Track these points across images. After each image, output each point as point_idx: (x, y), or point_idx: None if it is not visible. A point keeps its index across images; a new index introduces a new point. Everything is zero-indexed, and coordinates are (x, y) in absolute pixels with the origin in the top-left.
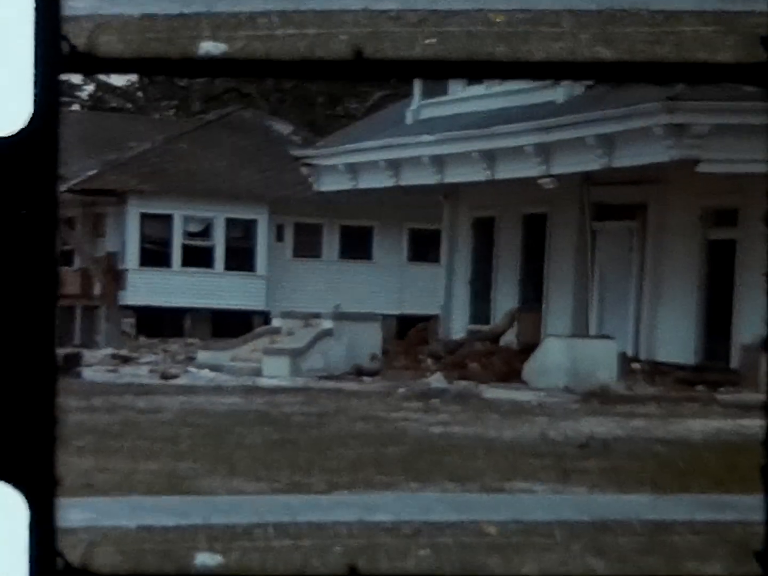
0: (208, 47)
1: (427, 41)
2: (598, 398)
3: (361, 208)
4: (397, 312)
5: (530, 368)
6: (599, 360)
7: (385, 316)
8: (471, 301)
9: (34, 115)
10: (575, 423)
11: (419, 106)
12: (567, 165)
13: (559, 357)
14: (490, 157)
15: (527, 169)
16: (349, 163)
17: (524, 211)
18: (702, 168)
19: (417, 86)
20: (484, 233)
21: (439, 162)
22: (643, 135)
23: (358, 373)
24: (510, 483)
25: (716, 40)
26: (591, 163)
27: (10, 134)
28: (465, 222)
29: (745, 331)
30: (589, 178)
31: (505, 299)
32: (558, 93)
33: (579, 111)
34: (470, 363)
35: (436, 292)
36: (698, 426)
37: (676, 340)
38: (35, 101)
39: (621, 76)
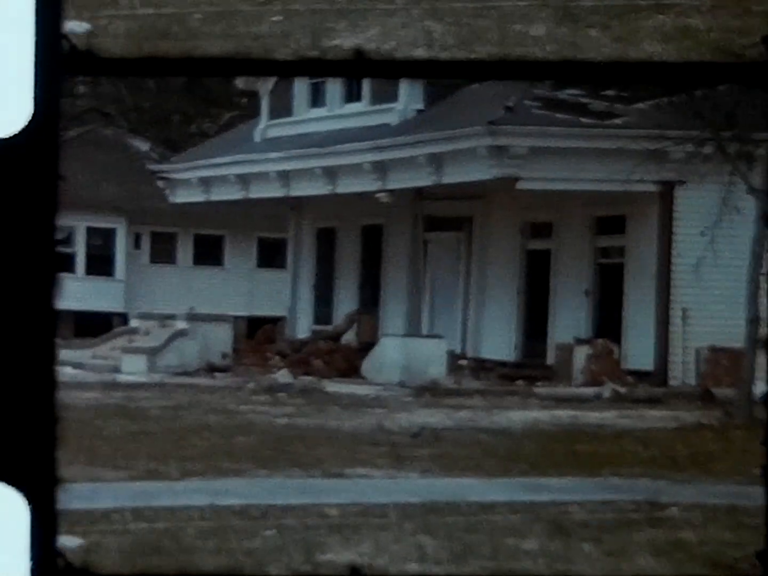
0: (73, 26)
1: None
2: (430, 392)
3: (214, 218)
4: (246, 314)
5: (368, 365)
6: (430, 357)
7: (236, 318)
8: (314, 304)
9: (34, 115)
10: (409, 414)
11: (266, 125)
12: (401, 181)
13: (395, 355)
14: (331, 173)
15: (365, 185)
16: (202, 177)
17: (362, 223)
18: (521, 185)
19: (264, 107)
20: (326, 242)
21: (285, 177)
22: (468, 155)
23: (211, 369)
24: (349, 469)
25: (532, 13)
26: (422, 179)
27: (10, 134)
28: (309, 232)
29: (559, 331)
30: (420, 193)
31: (345, 302)
32: (393, 116)
33: (411, 132)
34: (314, 360)
35: (283, 295)
36: (518, 417)
37: (498, 340)
38: (35, 102)
39: (622, 78)
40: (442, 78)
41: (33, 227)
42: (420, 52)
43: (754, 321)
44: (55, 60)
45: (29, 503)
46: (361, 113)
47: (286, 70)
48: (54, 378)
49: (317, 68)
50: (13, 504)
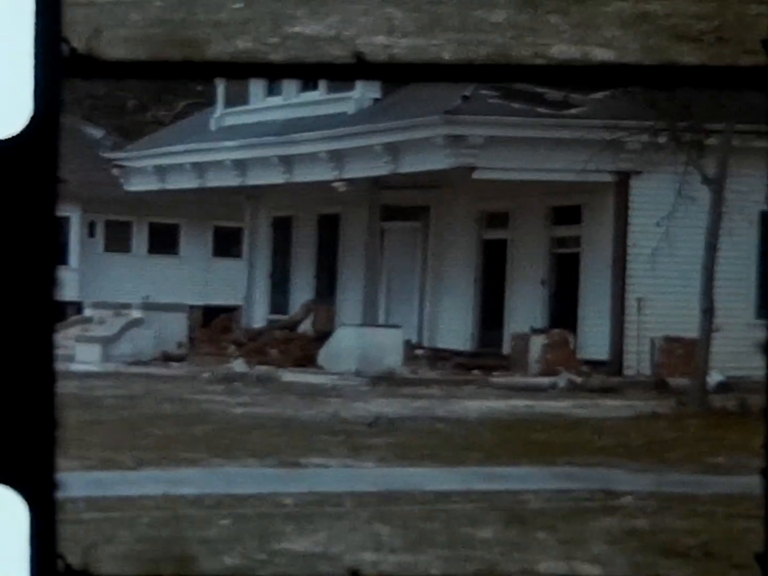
0: None
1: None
2: (386, 381)
3: (169, 207)
4: (202, 303)
5: (325, 354)
6: (387, 347)
7: (191, 307)
8: (270, 293)
9: (34, 117)
10: (365, 404)
11: (222, 114)
12: (358, 170)
13: (351, 344)
14: (287, 162)
15: (322, 174)
16: (157, 166)
17: (319, 212)
18: (477, 175)
19: (220, 96)
20: (282, 231)
21: (241, 166)
22: (425, 144)
23: (166, 359)
24: (306, 458)
25: None
26: (379, 168)
27: (10, 136)
28: (265, 221)
29: (515, 321)
30: (377, 182)
31: (301, 292)
32: (349, 105)
33: (368, 121)
34: (270, 349)
35: (239, 284)
36: (474, 406)
37: (455, 329)
38: (35, 103)
39: (623, 80)
40: (446, 81)
41: (32, 228)
42: (380, 39)
43: (707, 311)
44: (55, 61)
45: (29, 504)
46: (317, 102)
47: (289, 72)
48: (53, 379)
49: (318, 72)
50: (13, 505)
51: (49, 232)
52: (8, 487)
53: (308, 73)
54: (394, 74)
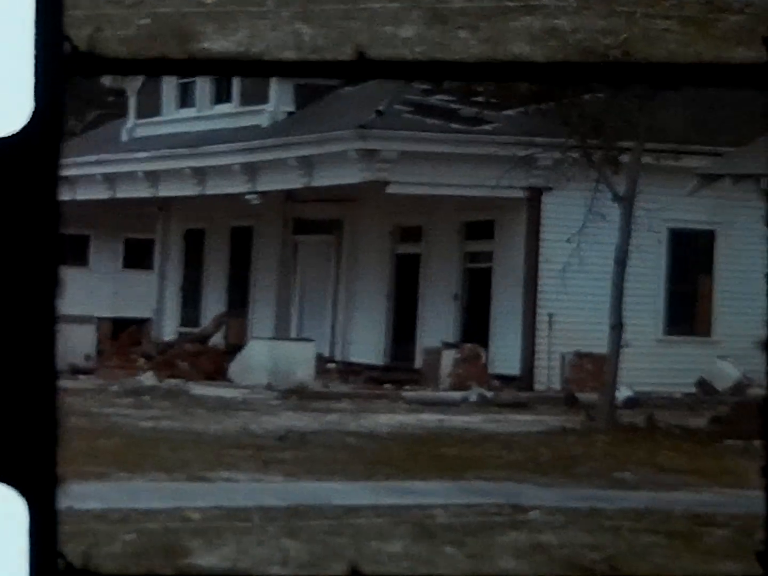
0: None
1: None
2: (297, 395)
3: (79, 217)
4: (111, 315)
5: (236, 368)
6: (298, 360)
7: (100, 319)
8: (182, 306)
9: (34, 115)
10: (275, 417)
11: (134, 125)
12: (271, 183)
13: (262, 357)
14: (200, 174)
15: (235, 186)
16: (68, 176)
17: (232, 224)
18: (391, 189)
19: (132, 106)
20: (194, 243)
21: (153, 177)
22: (338, 158)
23: (74, 371)
24: (214, 472)
25: (402, 14)
26: (293, 182)
27: (10, 134)
28: (177, 233)
29: (427, 335)
30: (291, 195)
31: (213, 304)
32: (263, 118)
33: (282, 134)
34: (180, 362)
35: (149, 297)
36: (385, 420)
37: (367, 343)
38: (36, 102)
39: (623, 79)
40: (448, 80)
41: (33, 226)
42: (289, 55)
43: (617, 327)
44: (56, 60)
45: (29, 504)
46: (231, 114)
47: (289, 71)
48: (54, 379)
49: (318, 70)
50: (13, 504)
51: (51, 228)
52: (8, 486)
53: (308, 72)
54: (395, 72)
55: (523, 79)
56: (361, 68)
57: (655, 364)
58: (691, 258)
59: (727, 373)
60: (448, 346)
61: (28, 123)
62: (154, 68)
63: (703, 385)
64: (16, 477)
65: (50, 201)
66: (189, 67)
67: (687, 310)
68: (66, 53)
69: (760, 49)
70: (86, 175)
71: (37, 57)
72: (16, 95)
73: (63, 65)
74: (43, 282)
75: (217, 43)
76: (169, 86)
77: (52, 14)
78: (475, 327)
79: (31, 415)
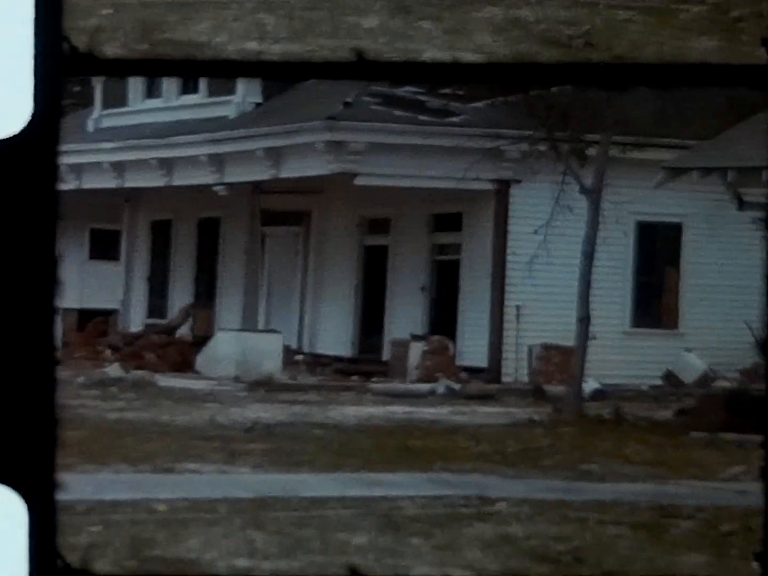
0: None
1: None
2: (265, 387)
3: None
4: (78, 306)
5: (203, 359)
6: (266, 352)
7: (66, 310)
8: (148, 297)
9: (34, 115)
10: (243, 409)
11: (100, 115)
12: (239, 174)
13: (230, 349)
14: (167, 164)
15: (202, 177)
16: None
17: (199, 216)
18: (359, 181)
19: (98, 96)
20: (161, 234)
21: (119, 168)
22: (306, 150)
23: None
24: (180, 464)
25: (365, 5)
26: (260, 173)
27: (10, 135)
28: (144, 223)
29: (395, 327)
30: (259, 186)
31: (180, 295)
32: (230, 109)
33: (249, 126)
34: (147, 354)
35: (116, 288)
36: (353, 412)
37: (335, 335)
38: (35, 102)
39: (621, 80)
40: (448, 81)
41: (33, 227)
42: (252, 45)
43: (584, 319)
44: (56, 60)
45: (28, 504)
46: (198, 105)
47: (289, 72)
48: (54, 380)
49: (318, 71)
50: (12, 505)
51: (49, 229)
52: (8, 487)
53: (307, 73)
54: (395, 73)
55: (533, 81)
56: (361, 69)
57: (622, 357)
58: (658, 251)
59: (693, 365)
60: (416, 338)
61: (28, 124)
62: (153, 69)
63: (669, 377)
64: (16, 477)
65: (50, 201)
66: (189, 67)
67: (654, 302)
68: (66, 54)
69: (721, 39)
70: None
71: (36, 58)
72: (16, 97)
73: (62, 67)
74: (42, 282)
75: (180, 33)
76: (135, 76)
77: (52, 15)
78: (443, 319)
79: (31, 416)
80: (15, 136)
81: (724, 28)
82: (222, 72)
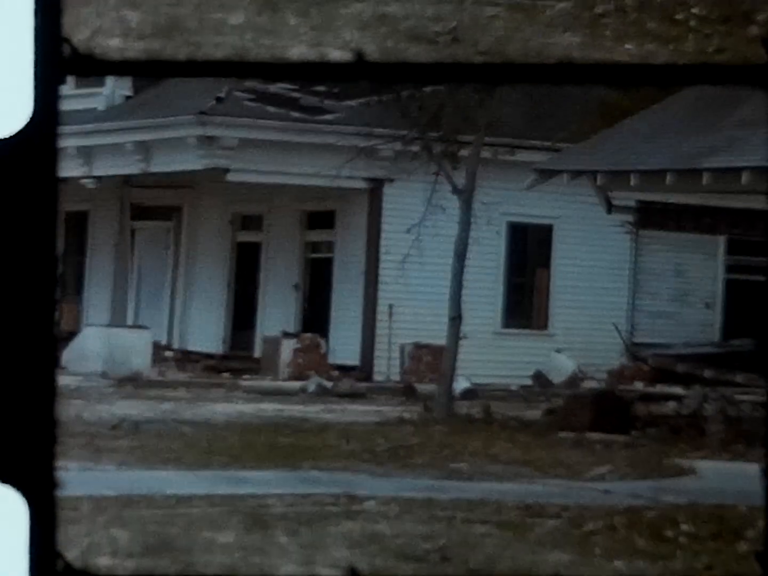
0: None
1: None
2: (132, 383)
3: None
4: None
5: (69, 355)
6: (134, 348)
7: None
8: None
9: (33, 116)
10: (109, 406)
11: None
12: (108, 167)
13: (97, 345)
14: None
15: (70, 170)
16: None
17: (67, 209)
18: (231, 177)
19: None
20: None
21: None
22: (178, 144)
23: None
24: None
25: (231, 1)
26: (130, 167)
27: (9, 135)
28: None
29: (267, 324)
30: (128, 180)
31: None
32: (99, 101)
33: (119, 119)
34: None
35: None
36: (222, 409)
37: (206, 331)
38: (35, 102)
39: (619, 80)
40: (448, 82)
41: (32, 228)
42: (115, 42)
43: (455, 318)
44: (55, 61)
45: (29, 504)
46: (66, 96)
47: (289, 73)
48: (54, 379)
49: (317, 72)
50: (12, 504)
51: (49, 230)
52: (8, 485)
53: (306, 74)
54: (395, 75)
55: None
56: (361, 70)
57: (493, 357)
58: (529, 252)
59: (562, 366)
60: (287, 335)
61: (27, 124)
62: (153, 70)
63: (539, 377)
64: (16, 477)
65: (49, 202)
66: (189, 68)
67: (525, 303)
68: (65, 55)
69: (585, 34)
70: None
71: (36, 59)
72: (15, 97)
73: (62, 67)
74: (41, 282)
75: None
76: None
77: (51, 16)
78: (315, 317)
79: (31, 416)
80: (15, 135)
81: (588, 24)
82: (222, 72)
